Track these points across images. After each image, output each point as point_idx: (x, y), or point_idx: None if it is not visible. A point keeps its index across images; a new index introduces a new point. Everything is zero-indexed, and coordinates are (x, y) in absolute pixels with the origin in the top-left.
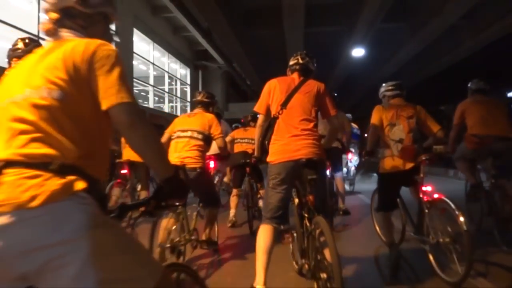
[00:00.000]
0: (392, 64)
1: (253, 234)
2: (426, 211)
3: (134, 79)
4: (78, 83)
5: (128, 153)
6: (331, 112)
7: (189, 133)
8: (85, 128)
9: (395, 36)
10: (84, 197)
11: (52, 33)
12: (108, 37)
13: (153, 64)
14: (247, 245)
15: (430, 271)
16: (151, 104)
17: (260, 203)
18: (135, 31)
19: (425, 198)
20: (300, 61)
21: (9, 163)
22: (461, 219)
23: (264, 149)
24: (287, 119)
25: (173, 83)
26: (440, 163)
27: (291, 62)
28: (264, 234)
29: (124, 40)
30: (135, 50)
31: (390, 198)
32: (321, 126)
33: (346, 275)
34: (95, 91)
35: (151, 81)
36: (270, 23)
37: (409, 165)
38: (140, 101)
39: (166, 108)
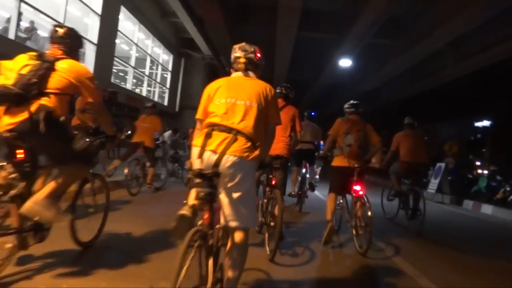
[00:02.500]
0: (375, 79)
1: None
2: (354, 202)
3: (115, 58)
4: (266, 104)
5: (141, 138)
6: (297, 128)
7: None
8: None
9: (381, 52)
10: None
11: (242, 69)
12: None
13: (136, 45)
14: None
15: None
16: (129, 86)
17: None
18: (122, 8)
19: (354, 194)
20: (284, 91)
21: (240, 133)
22: (369, 211)
23: None
24: None
25: (154, 67)
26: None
27: (277, 90)
28: None
29: (110, 17)
30: (119, 28)
31: (338, 185)
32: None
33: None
34: (268, 114)
35: (132, 63)
36: (264, 21)
37: (351, 164)
38: (118, 81)
39: (144, 91)
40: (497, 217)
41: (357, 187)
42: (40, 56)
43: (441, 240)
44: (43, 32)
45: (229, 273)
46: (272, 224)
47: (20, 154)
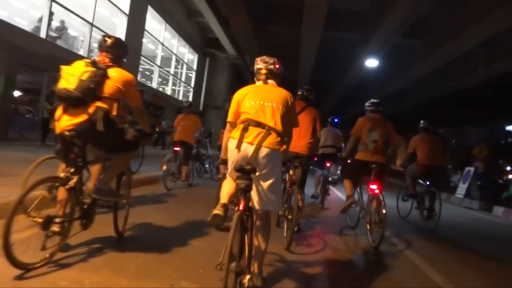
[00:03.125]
0: (402, 79)
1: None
2: (369, 200)
3: (142, 57)
4: (287, 108)
5: (182, 136)
6: (318, 128)
7: None
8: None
9: (409, 53)
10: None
11: (263, 79)
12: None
13: (162, 44)
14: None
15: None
16: (154, 84)
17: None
18: (149, 8)
19: (370, 192)
20: (304, 93)
21: (272, 129)
22: (384, 209)
23: None
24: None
25: (179, 66)
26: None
27: (299, 93)
28: None
29: (137, 16)
30: (146, 27)
31: (355, 174)
32: (322, 137)
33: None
34: (288, 116)
35: (158, 62)
36: (289, 21)
37: (375, 159)
38: (144, 80)
39: (168, 90)
40: None
41: (373, 186)
42: (94, 64)
43: (458, 241)
44: (73, 31)
45: (260, 247)
46: (289, 217)
47: (75, 150)
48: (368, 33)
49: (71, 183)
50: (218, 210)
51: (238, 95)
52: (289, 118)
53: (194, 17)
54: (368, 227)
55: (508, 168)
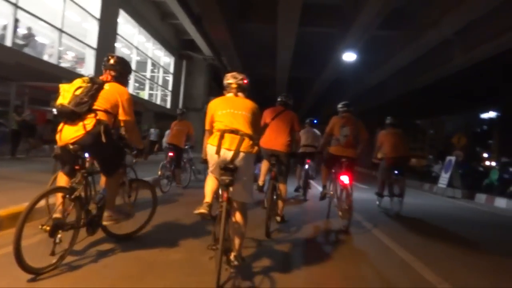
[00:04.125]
0: (380, 72)
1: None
2: (341, 191)
3: None
4: (255, 115)
5: (174, 140)
6: (296, 129)
7: None
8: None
9: (387, 45)
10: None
11: (234, 92)
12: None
13: (137, 48)
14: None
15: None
16: (130, 90)
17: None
18: (121, 12)
19: (340, 183)
20: (283, 99)
21: (245, 134)
22: (351, 197)
23: None
24: (273, 128)
25: (156, 70)
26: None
27: (278, 99)
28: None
29: (109, 20)
30: (119, 32)
31: (329, 166)
32: (302, 137)
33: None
34: (256, 123)
35: (133, 66)
36: (264, 16)
37: (344, 153)
38: None
39: (146, 95)
40: None
41: (343, 177)
42: (92, 80)
43: (422, 221)
44: (42, 38)
45: (240, 229)
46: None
47: (80, 162)
48: (344, 26)
49: (77, 193)
50: (203, 209)
51: (212, 105)
52: (256, 124)
53: (168, 19)
54: (340, 214)
55: (485, 155)
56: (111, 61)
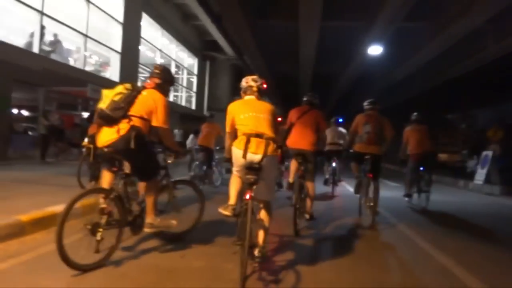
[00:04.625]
0: (408, 66)
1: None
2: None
3: (140, 65)
4: (273, 116)
5: (204, 141)
6: (322, 128)
7: None
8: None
9: (414, 37)
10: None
11: (256, 96)
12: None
13: (160, 51)
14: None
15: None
16: None
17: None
18: (144, 15)
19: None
20: (308, 98)
21: (269, 138)
22: (377, 190)
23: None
24: (299, 128)
25: (180, 72)
26: (448, 173)
27: (304, 98)
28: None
29: (132, 24)
30: (142, 35)
31: (356, 163)
32: (329, 135)
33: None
34: (275, 124)
35: None
36: (285, 13)
37: (368, 150)
38: None
39: (170, 97)
40: None
41: (369, 174)
42: (132, 87)
43: (452, 218)
44: (68, 44)
45: (264, 225)
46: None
47: (117, 164)
48: (368, 19)
49: (115, 193)
50: (228, 212)
51: (232, 108)
52: (276, 125)
53: (191, 21)
54: (368, 211)
55: None
56: (156, 70)
